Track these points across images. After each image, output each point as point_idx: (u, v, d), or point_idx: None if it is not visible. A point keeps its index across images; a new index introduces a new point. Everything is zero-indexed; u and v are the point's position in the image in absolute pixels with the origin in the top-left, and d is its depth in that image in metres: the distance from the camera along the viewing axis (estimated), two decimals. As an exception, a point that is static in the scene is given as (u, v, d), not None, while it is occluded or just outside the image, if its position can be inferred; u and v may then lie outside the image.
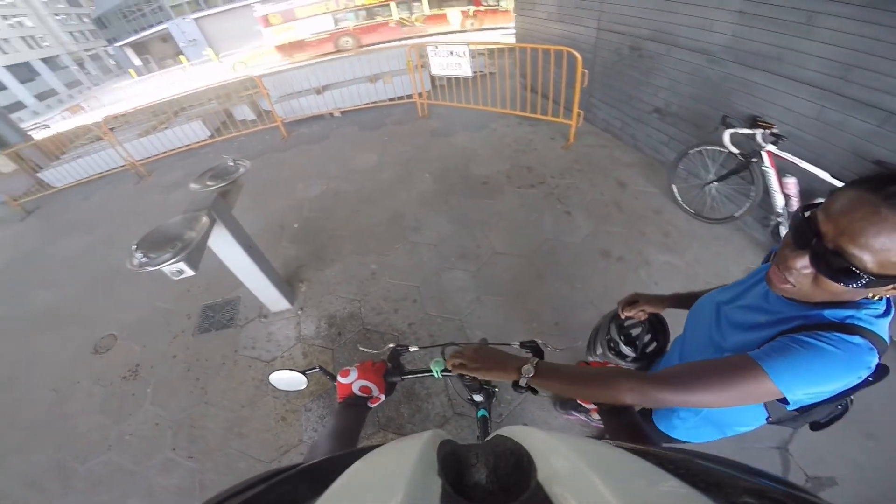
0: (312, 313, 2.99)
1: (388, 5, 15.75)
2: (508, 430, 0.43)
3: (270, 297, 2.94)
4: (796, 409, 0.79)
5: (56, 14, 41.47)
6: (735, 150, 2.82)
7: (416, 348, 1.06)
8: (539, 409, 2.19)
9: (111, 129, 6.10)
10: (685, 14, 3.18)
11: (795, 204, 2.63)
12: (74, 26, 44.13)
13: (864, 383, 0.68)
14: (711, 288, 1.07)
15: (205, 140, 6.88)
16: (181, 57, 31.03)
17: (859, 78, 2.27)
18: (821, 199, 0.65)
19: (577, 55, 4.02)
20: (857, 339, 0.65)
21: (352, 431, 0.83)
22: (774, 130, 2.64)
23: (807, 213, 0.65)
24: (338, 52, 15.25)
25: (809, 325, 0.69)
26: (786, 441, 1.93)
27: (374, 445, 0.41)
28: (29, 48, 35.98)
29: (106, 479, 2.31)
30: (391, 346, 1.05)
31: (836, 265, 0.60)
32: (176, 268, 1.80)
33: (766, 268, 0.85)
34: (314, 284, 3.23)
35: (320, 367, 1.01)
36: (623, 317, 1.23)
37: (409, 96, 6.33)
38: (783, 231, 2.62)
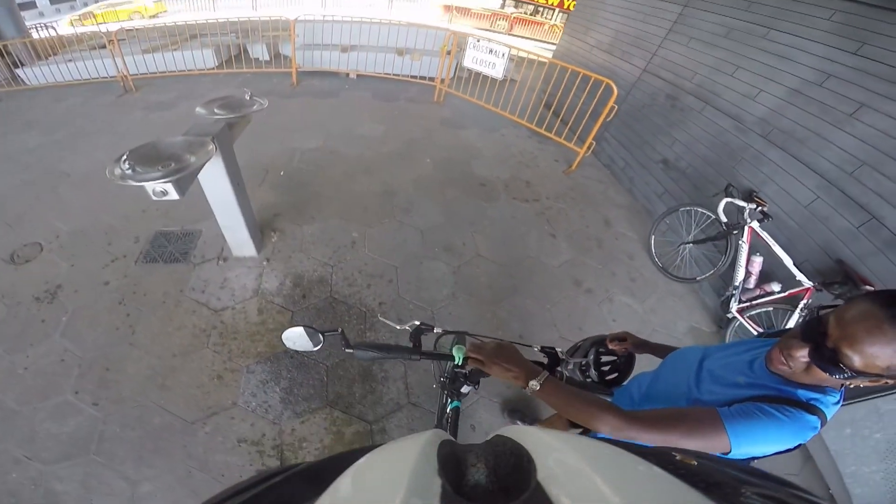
0: (278, 267, 2.87)
1: (553, 9, 16.57)
2: (508, 430, 0.43)
3: (238, 239, 2.78)
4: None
5: None
6: (724, 219, 2.96)
7: (440, 330, 1.09)
8: (486, 411, 2.23)
9: (119, 41, 5.73)
10: (738, 79, 3.27)
11: (753, 282, 2.78)
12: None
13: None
14: (682, 345, 1.22)
15: (209, 69, 6.64)
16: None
17: (866, 178, 2.39)
18: (838, 303, 0.78)
19: (615, 88, 4.11)
20: (814, 419, 0.78)
21: None
22: (765, 209, 2.78)
23: (821, 314, 0.78)
24: (489, 30, 15.67)
25: (780, 399, 0.81)
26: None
27: (374, 445, 0.41)
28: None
29: None
30: (416, 322, 1.07)
31: (831, 361, 0.72)
32: (161, 188, 1.70)
33: (758, 342, 0.99)
34: (287, 237, 3.14)
35: (342, 331, 0.99)
36: (609, 347, 1.33)
37: (431, 79, 6.30)
38: (733, 304, 2.77)
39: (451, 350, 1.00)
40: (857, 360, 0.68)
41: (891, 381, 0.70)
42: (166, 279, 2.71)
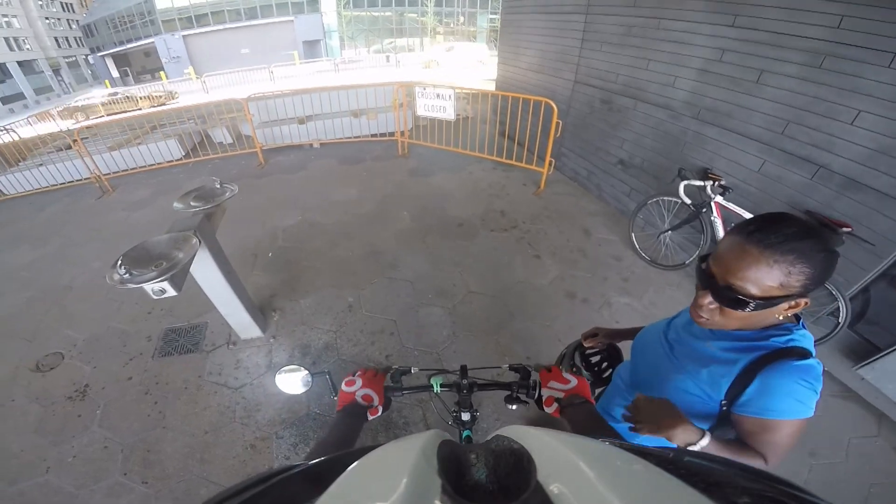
0: (285, 342, 2.99)
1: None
2: (509, 430, 0.43)
3: (242, 323, 2.90)
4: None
5: (47, 18, 40.70)
6: (688, 201, 3.11)
7: (416, 369, 1.17)
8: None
9: (82, 140, 5.92)
10: (654, 71, 3.54)
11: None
12: (61, 32, 43.48)
13: None
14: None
15: (178, 160, 6.79)
16: (161, 73, 30.77)
17: (797, 133, 2.60)
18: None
19: (554, 106, 4.35)
20: (808, 362, 0.81)
21: (350, 441, 0.83)
22: (722, 182, 2.95)
23: (703, 263, 0.84)
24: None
25: (771, 356, 0.83)
26: None
27: (374, 445, 0.41)
28: (9, 49, 34.98)
29: (39, 502, 2.17)
30: (394, 367, 1.14)
31: (729, 297, 0.77)
32: (160, 287, 1.79)
33: None
34: (287, 314, 3.24)
35: (329, 373, 1.06)
36: (585, 346, 1.42)
37: (392, 134, 6.55)
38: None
39: (429, 381, 1.07)
40: (750, 288, 0.74)
41: (803, 300, 0.75)
42: (184, 368, 2.87)
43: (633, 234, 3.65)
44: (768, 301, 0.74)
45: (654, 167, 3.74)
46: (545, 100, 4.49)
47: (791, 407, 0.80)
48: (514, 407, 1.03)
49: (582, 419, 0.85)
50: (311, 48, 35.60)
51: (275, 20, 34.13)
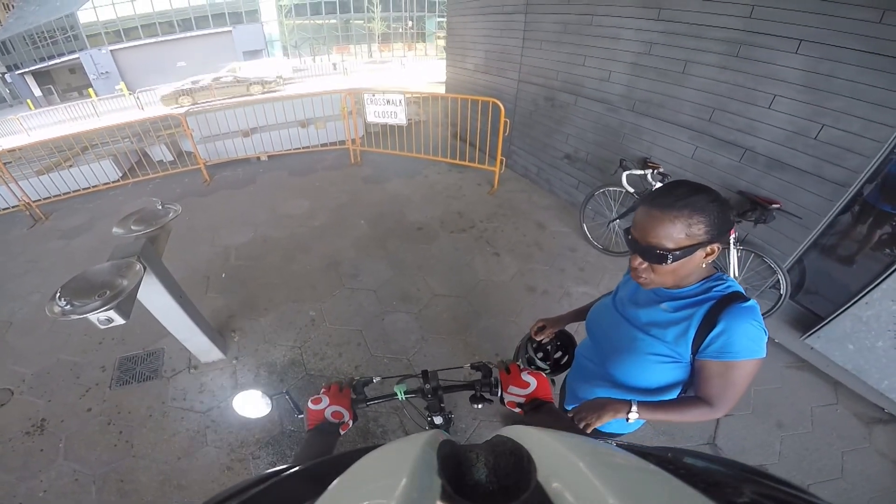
0: (249, 362, 2.91)
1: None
2: (508, 430, 0.43)
3: (200, 347, 2.81)
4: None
5: None
6: (631, 190, 3.28)
7: (378, 379, 1.16)
8: (490, 433, 2.27)
9: (6, 164, 5.43)
10: (590, 66, 3.69)
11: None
12: (-29, 48, 39.31)
13: None
14: (596, 300, 1.35)
15: (115, 182, 6.38)
16: (90, 90, 28.72)
17: (722, 119, 2.79)
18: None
19: (501, 105, 4.44)
20: (751, 303, 0.94)
21: (325, 454, 0.83)
22: (661, 170, 3.13)
23: (628, 234, 0.97)
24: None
25: (722, 302, 0.94)
26: (711, 436, 2.25)
27: (374, 446, 0.41)
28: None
29: None
30: (356, 378, 1.13)
31: (651, 254, 0.90)
32: (105, 316, 1.71)
33: None
34: (248, 334, 3.14)
35: (287, 393, 1.05)
36: (536, 339, 1.47)
37: (342, 142, 6.45)
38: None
39: (394, 391, 1.08)
40: (664, 242, 0.88)
41: (716, 244, 0.89)
42: (145, 396, 2.76)
43: (584, 225, 3.80)
44: (684, 251, 0.87)
45: (598, 159, 3.90)
46: (492, 100, 4.58)
47: (748, 347, 0.92)
48: (480, 406, 1.04)
49: (546, 423, 0.87)
50: (253, 58, 34.43)
51: (212, 31, 32.76)
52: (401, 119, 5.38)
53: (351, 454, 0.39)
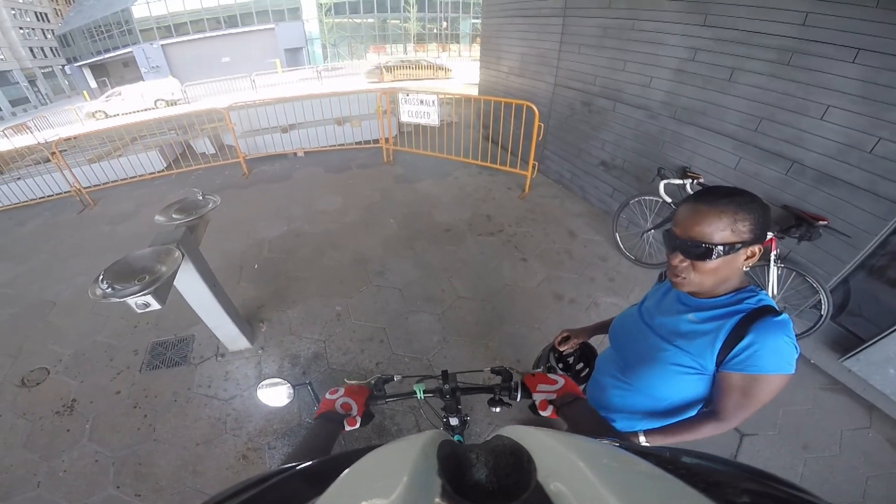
0: (274, 353, 2.98)
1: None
2: (508, 430, 0.43)
3: (229, 335, 2.90)
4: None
5: (21, 28, 39.77)
6: (668, 200, 3.18)
7: (399, 377, 1.18)
8: None
9: (61, 152, 5.80)
10: (631, 72, 3.60)
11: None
12: (36, 42, 42.46)
13: None
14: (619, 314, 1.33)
15: (160, 172, 6.70)
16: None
17: (769, 130, 2.67)
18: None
19: (535, 109, 4.40)
20: (783, 317, 0.91)
21: (323, 448, 0.83)
22: (701, 180, 3.02)
23: (668, 231, 0.95)
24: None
25: (753, 315, 0.91)
26: (733, 455, 2.17)
27: (374, 446, 0.41)
28: (-18, 60, 34.00)
29: None
30: (377, 375, 1.15)
31: (694, 249, 0.88)
32: (143, 301, 1.78)
33: (666, 283, 1.14)
34: (275, 325, 3.22)
35: (310, 384, 1.08)
36: (559, 349, 1.46)
37: (376, 141, 6.55)
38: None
39: (413, 389, 1.09)
40: (711, 237, 0.86)
41: (757, 246, 0.87)
42: (172, 381, 2.85)
43: (617, 234, 3.71)
44: (727, 247, 0.85)
45: (635, 167, 3.80)
46: (527, 103, 4.55)
47: (776, 362, 0.89)
48: (498, 409, 1.04)
49: (579, 416, 0.87)
50: (294, 56, 35.43)
51: (256, 28, 33.88)
52: (433, 120, 5.41)
53: (351, 454, 0.39)
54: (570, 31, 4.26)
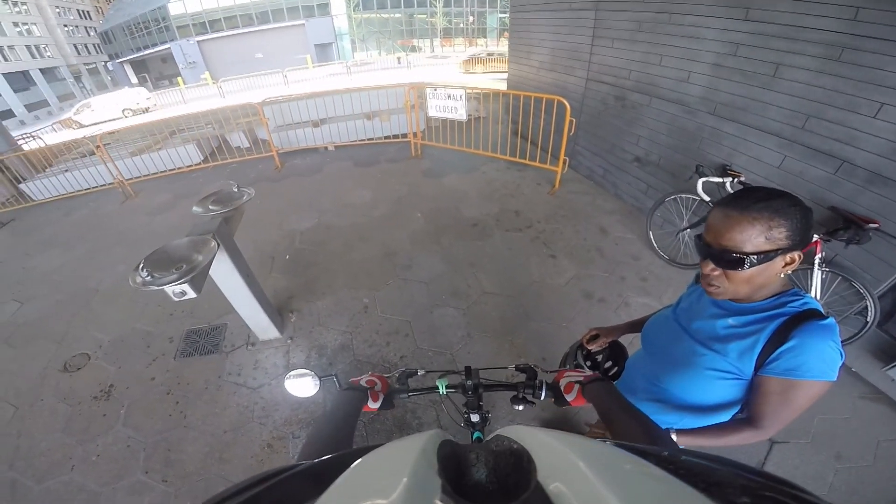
0: (302, 343, 3.04)
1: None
2: (508, 430, 0.43)
3: (260, 325, 2.97)
4: None
5: (65, 25, 41.96)
6: (707, 198, 3.06)
7: (423, 371, 1.19)
8: None
9: (105, 145, 6.10)
10: (667, 66, 3.48)
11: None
12: (80, 39, 44.69)
13: None
14: (654, 312, 1.30)
15: (196, 164, 6.94)
16: (179, 78, 31.44)
17: (817, 128, 2.54)
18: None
19: (567, 104, 4.32)
20: (830, 321, 0.86)
21: (349, 416, 0.85)
22: (742, 179, 2.90)
23: (699, 238, 0.92)
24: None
25: (797, 318, 0.87)
26: (761, 462, 2.11)
27: (375, 445, 0.41)
28: (31, 57, 36.18)
29: (65, 500, 2.24)
30: (402, 369, 1.17)
31: (726, 258, 0.85)
32: (180, 289, 1.84)
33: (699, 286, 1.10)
34: (304, 316, 3.29)
35: (336, 376, 1.09)
36: (587, 348, 1.43)
37: (404, 135, 6.58)
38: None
39: (436, 384, 1.09)
40: (743, 246, 0.82)
41: (796, 252, 0.83)
42: (204, 369, 2.94)
43: (650, 233, 3.61)
44: (762, 256, 0.82)
45: (671, 164, 3.68)
46: (557, 98, 4.46)
47: (819, 367, 0.85)
48: (521, 408, 1.04)
49: (604, 396, 0.86)
50: (324, 51, 35.96)
51: (286, 24, 34.54)
52: (461, 114, 5.38)
53: (351, 454, 0.39)
54: (602, 24, 4.15)
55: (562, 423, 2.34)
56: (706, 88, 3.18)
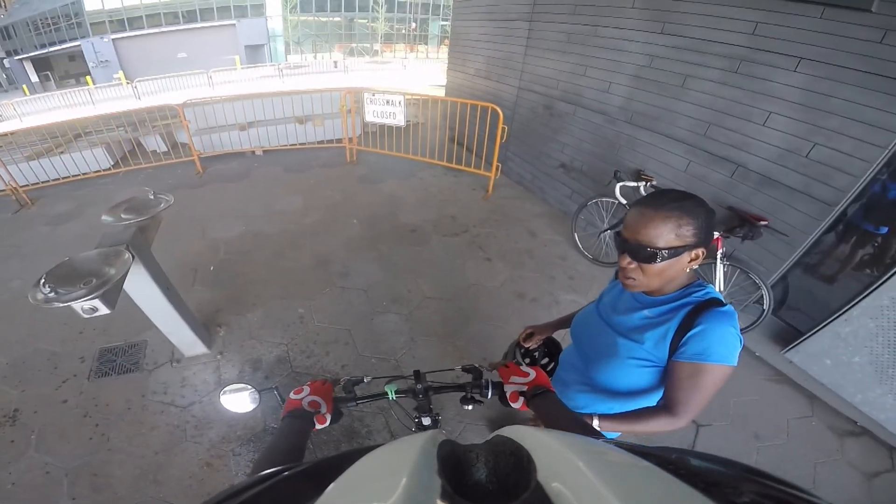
0: (234, 358, 2.89)
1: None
2: (508, 430, 0.43)
3: (185, 340, 2.78)
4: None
5: None
6: (624, 201, 3.30)
7: (368, 378, 1.17)
8: (476, 435, 2.30)
9: None
10: (591, 77, 3.71)
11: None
12: (-28, 33, 38.78)
13: None
14: (579, 309, 1.38)
15: (106, 170, 6.30)
16: (87, 78, 28.45)
17: (717, 135, 2.81)
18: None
19: (500, 111, 4.46)
20: (728, 308, 0.96)
21: (296, 446, 0.81)
22: (654, 182, 3.15)
23: (618, 234, 1.01)
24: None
25: (701, 307, 0.97)
26: (690, 445, 2.26)
27: (374, 445, 0.41)
28: None
29: None
30: (346, 378, 1.14)
31: (642, 252, 0.93)
32: (90, 305, 1.68)
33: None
34: (234, 329, 3.11)
35: (276, 388, 1.04)
36: (524, 345, 1.50)
37: (339, 140, 6.44)
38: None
39: (384, 390, 1.08)
40: (656, 241, 0.91)
41: (700, 249, 0.93)
42: (124, 388, 2.71)
43: (575, 235, 3.82)
44: (672, 251, 0.91)
45: (593, 170, 3.93)
46: (491, 105, 4.61)
47: (721, 352, 0.94)
48: (470, 407, 1.05)
49: (548, 408, 0.89)
50: (255, 53, 34.33)
51: (216, 24, 32.62)
52: (399, 120, 5.37)
53: (350, 454, 0.38)
54: (535, 35, 4.35)
55: (509, 419, 2.38)
56: (625, 99, 3.42)
